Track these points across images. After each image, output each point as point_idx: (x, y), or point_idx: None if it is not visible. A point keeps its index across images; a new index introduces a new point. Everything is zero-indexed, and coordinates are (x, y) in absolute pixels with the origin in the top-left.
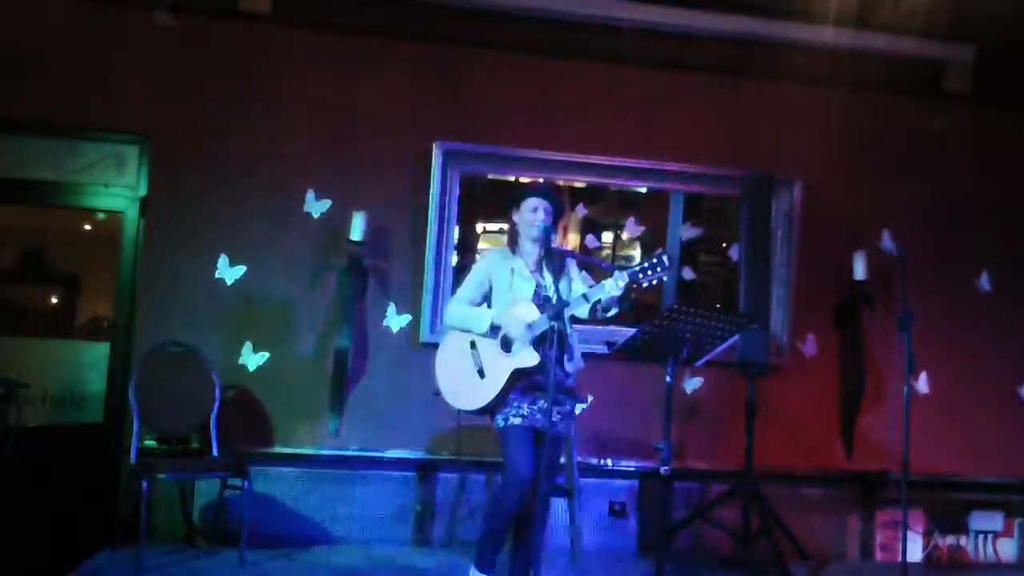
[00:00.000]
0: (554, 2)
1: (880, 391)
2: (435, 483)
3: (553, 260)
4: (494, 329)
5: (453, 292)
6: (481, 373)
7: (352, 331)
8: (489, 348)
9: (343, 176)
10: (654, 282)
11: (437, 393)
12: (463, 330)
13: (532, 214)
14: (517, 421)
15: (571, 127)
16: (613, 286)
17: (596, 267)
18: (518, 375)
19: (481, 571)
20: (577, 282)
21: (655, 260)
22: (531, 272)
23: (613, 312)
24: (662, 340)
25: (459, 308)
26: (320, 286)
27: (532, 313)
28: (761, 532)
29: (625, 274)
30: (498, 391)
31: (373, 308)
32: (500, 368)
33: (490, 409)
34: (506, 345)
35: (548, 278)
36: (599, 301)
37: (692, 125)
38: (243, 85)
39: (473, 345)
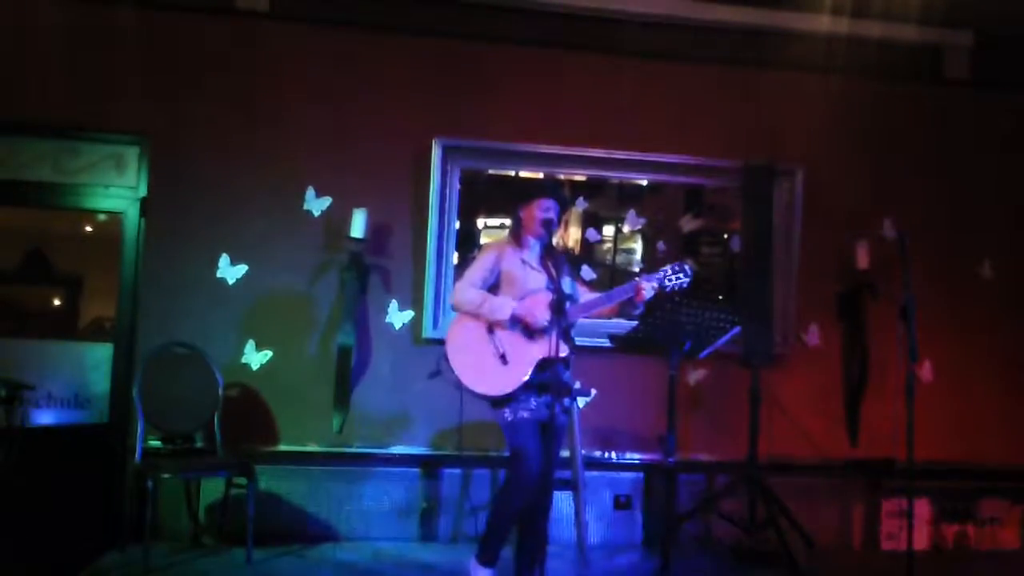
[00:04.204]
0: None
1: (884, 379)
2: (440, 479)
3: (554, 256)
4: (513, 319)
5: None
6: (504, 359)
7: (355, 328)
8: (510, 334)
9: (343, 173)
10: (676, 288)
11: (434, 375)
12: (475, 314)
13: (543, 213)
14: (526, 415)
15: (571, 120)
16: (649, 288)
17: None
18: (544, 364)
19: (484, 565)
20: (573, 280)
21: (679, 267)
22: (538, 265)
23: (639, 311)
24: (664, 333)
25: (473, 292)
26: (322, 284)
27: (546, 304)
28: (767, 522)
29: (653, 278)
30: (526, 378)
31: (375, 305)
32: (526, 355)
33: (501, 399)
34: (529, 332)
35: (553, 272)
36: (631, 301)
37: (692, 116)
38: (242, 83)
39: (491, 329)
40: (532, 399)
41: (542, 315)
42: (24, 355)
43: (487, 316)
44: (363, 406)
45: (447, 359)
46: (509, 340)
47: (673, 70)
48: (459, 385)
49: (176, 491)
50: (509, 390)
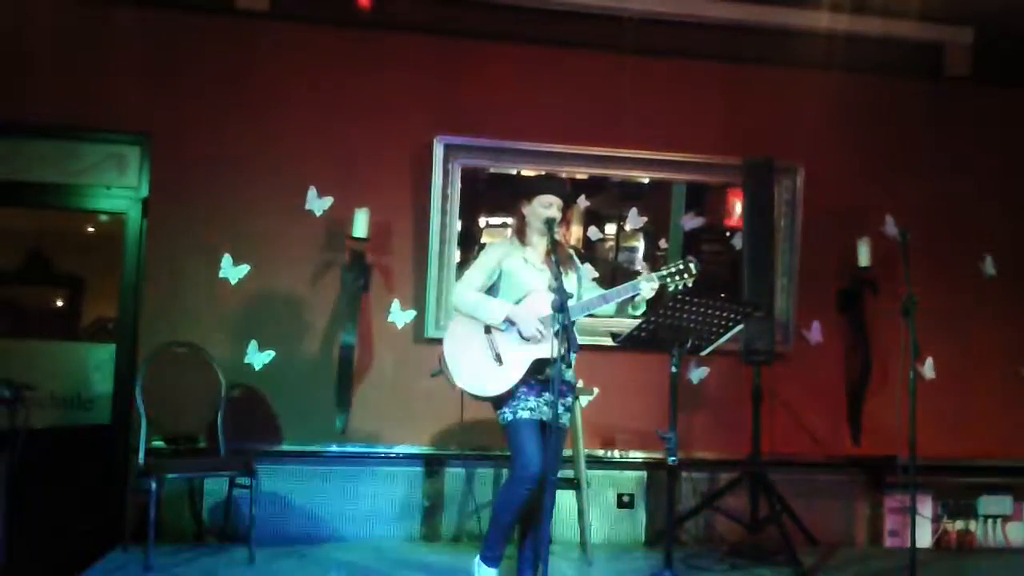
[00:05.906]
0: None
1: (886, 376)
2: (442, 477)
3: (559, 253)
4: (507, 322)
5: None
6: (499, 359)
7: (357, 328)
8: (506, 335)
9: (345, 173)
10: (680, 286)
11: (435, 374)
12: (472, 317)
13: (546, 209)
14: (525, 415)
15: (572, 118)
16: (648, 289)
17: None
18: (538, 365)
19: (488, 565)
20: (584, 277)
21: (683, 266)
22: (541, 264)
23: (642, 310)
24: (667, 330)
25: (471, 294)
26: (324, 283)
27: (547, 304)
28: (770, 520)
29: (655, 277)
30: (518, 379)
31: (377, 304)
32: (520, 355)
33: (500, 399)
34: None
35: (556, 270)
36: (632, 300)
37: (693, 114)
38: (243, 83)
39: (488, 329)
40: (532, 398)
41: (534, 323)
42: (26, 356)
43: (482, 319)
44: (365, 405)
45: (443, 358)
46: (505, 340)
47: (674, 67)
48: (454, 384)
49: (179, 491)
50: (501, 391)
